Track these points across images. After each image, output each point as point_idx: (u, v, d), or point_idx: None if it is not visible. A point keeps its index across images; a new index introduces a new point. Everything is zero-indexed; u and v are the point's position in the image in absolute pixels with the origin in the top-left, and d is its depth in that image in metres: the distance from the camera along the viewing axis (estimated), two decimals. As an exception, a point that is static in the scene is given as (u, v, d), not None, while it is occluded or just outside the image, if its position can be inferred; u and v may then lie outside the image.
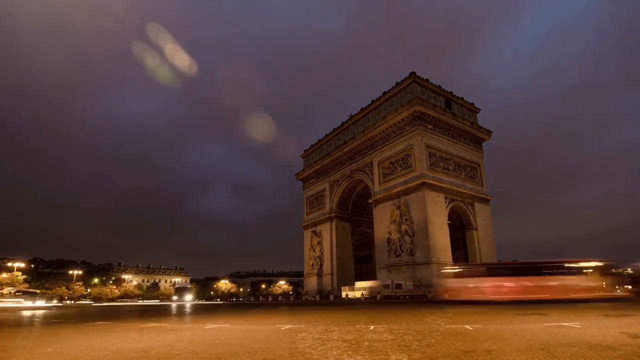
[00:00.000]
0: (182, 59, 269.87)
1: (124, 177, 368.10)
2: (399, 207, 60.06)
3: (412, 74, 64.32)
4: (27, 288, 75.10)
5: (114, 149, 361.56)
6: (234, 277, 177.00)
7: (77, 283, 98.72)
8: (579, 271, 31.93)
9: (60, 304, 69.13)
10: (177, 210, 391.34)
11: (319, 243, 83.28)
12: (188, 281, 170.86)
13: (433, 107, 62.55)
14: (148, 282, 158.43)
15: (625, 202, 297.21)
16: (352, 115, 78.65)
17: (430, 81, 66.03)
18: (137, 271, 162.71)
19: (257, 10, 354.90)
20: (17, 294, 57.79)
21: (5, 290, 59.69)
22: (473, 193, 64.42)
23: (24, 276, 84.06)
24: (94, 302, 71.28)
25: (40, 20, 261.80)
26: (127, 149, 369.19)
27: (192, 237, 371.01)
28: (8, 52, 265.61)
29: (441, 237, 57.16)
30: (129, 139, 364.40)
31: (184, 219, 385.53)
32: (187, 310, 38.99)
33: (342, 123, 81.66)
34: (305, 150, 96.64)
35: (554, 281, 31.13)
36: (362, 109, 75.34)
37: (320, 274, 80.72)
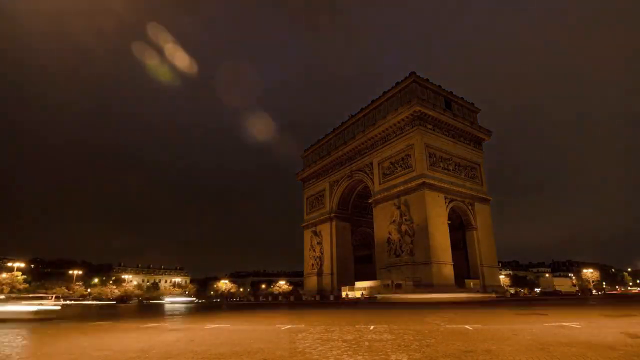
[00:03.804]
0: (182, 59, 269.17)
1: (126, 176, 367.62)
2: (399, 207, 60.05)
3: (412, 74, 64.27)
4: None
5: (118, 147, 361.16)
6: (234, 277, 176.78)
7: (77, 283, 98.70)
8: None
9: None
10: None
11: (319, 243, 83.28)
12: (188, 281, 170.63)
13: (433, 107, 62.52)
14: (148, 282, 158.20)
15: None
16: (352, 115, 78.61)
17: (430, 81, 66.02)
18: (137, 271, 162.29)
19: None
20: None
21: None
22: (473, 193, 64.39)
23: (24, 276, 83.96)
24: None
25: (40, 22, 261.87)
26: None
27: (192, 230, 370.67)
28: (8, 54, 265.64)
29: (441, 237, 57.15)
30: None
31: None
32: (188, 310, 38.97)
33: (342, 123, 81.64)
34: (305, 150, 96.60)
35: None
36: (362, 109, 75.31)
37: (320, 274, 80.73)
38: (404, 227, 58.65)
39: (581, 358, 7.17)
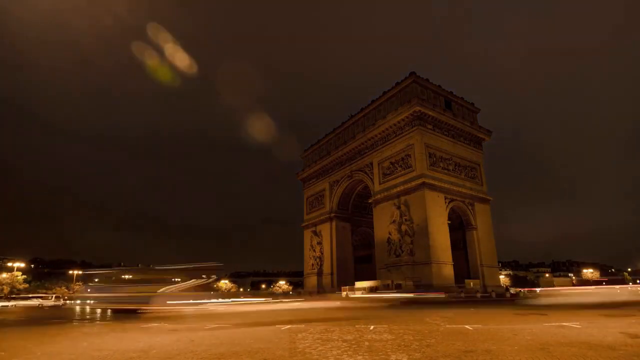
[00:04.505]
0: (181, 59, 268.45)
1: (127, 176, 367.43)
2: (399, 207, 60.03)
3: (412, 74, 64.22)
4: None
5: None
6: (234, 277, 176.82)
7: (77, 283, 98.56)
8: None
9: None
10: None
11: (319, 243, 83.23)
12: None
13: (433, 107, 62.47)
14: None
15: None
16: (352, 116, 78.55)
17: (430, 81, 66.00)
18: (137, 271, 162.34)
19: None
20: None
21: None
22: (473, 193, 64.35)
23: (24, 276, 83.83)
24: None
25: (40, 23, 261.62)
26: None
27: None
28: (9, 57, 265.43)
29: (441, 237, 57.13)
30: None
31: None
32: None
33: (342, 123, 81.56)
34: (305, 150, 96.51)
35: None
36: (362, 109, 75.23)
37: (320, 274, 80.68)
38: (404, 227, 58.64)
39: (581, 358, 7.17)
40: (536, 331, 11.51)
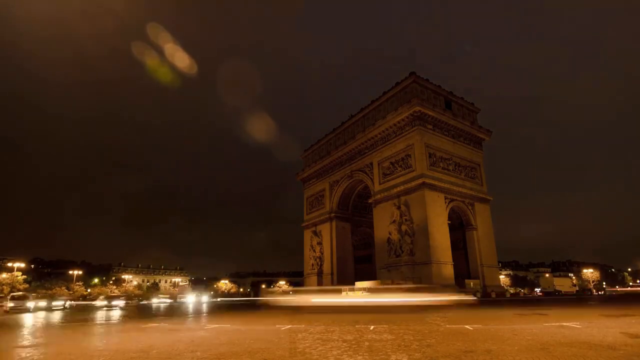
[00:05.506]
0: (182, 59, 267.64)
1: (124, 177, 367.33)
2: (399, 207, 59.98)
3: (412, 74, 64.17)
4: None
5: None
6: (233, 277, 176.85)
7: (77, 283, 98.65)
8: None
9: None
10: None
11: (319, 243, 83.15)
12: (188, 281, 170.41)
13: (433, 107, 62.38)
14: (148, 282, 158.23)
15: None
16: (352, 115, 78.47)
17: (430, 81, 66.01)
18: (137, 271, 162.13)
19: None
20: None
21: None
22: (473, 193, 64.29)
23: (24, 276, 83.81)
24: None
25: (40, 24, 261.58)
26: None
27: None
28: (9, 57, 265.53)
29: (441, 237, 57.06)
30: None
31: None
32: (190, 310, 38.96)
33: (342, 123, 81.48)
34: (305, 150, 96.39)
35: None
36: (362, 109, 75.14)
37: (320, 274, 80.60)
38: (404, 227, 58.62)
39: (581, 358, 7.17)
40: (536, 331, 11.52)
